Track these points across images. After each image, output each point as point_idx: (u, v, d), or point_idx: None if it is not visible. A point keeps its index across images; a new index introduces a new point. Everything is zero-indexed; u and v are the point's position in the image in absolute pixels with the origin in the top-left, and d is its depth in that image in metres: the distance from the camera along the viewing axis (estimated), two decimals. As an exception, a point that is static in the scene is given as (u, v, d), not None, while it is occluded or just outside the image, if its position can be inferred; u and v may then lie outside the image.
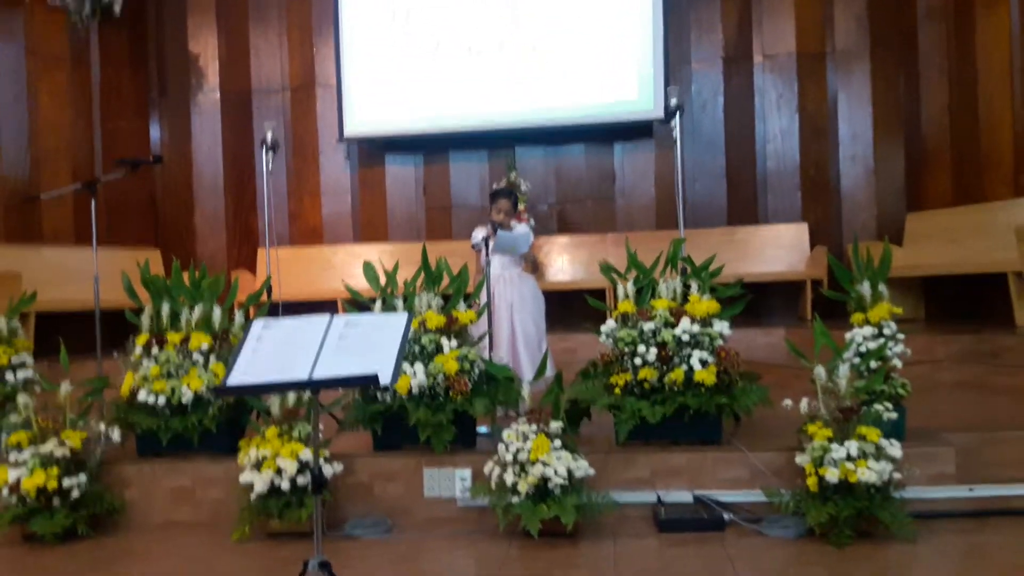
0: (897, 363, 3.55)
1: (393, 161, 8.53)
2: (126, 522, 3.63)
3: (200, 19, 8.66)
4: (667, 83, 7.48)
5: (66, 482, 3.40)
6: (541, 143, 8.30)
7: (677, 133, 4.65)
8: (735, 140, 8.10)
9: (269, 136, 5.16)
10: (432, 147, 8.43)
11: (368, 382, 2.49)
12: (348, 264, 7.94)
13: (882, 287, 3.68)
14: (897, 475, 3.11)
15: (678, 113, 4.64)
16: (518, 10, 8.02)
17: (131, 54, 8.36)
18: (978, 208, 6.55)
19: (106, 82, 8.00)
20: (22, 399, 3.60)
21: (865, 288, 3.68)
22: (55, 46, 7.58)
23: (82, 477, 3.46)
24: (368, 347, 2.59)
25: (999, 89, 6.47)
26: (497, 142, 8.28)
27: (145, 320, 3.90)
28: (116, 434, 3.65)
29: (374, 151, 8.54)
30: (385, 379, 2.44)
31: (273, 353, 2.60)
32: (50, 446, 3.44)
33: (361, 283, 3.99)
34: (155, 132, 8.69)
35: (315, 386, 2.50)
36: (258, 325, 2.74)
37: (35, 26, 7.40)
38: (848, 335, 3.60)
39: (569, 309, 6.66)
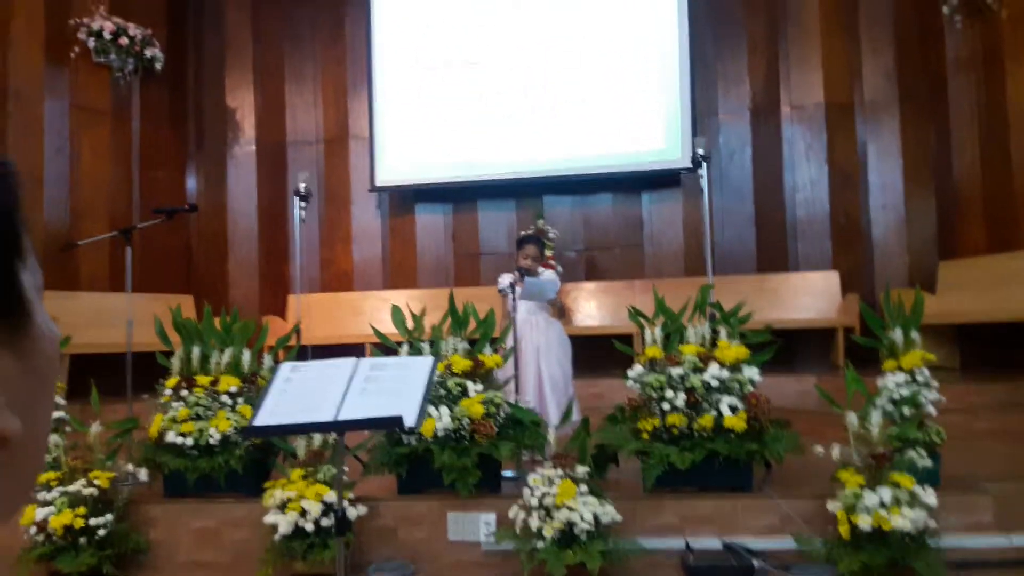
0: (931, 410, 3.48)
1: (423, 209, 8.64)
2: (151, 562, 3.64)
3: (238, 76, 8.93)
4: (695, 133, 7.53)
5: (93, 521, 3.42)
6: (569, 192, 8.37)
7: (704, 182, 4.68)
8: (764, 189, 8.10)
9: (302, 186, 5.27)
10: (461, 196, 8.53)
11: (393, 424, 2.50)
12: (377, 309, 8.01)
13: (915, 334, 3.63)
14: (932, 523, 3.03)
15: (705, 163, 4.67)
16: (546, 61, 8.17)
17: (171, 109, 8.61)
18: (1012, 256, 6.45)
19: (145, 136, 8.23)
20: (52, 439, 3.64)
21: (897, 335, 3.64)
22: (98, 101, 7.83)
23: (108, 516, 3.48)
24: (393, 390, 2.61)
25: (1031, 137, 6.43)
26: (525, 191, 8.37)
27: (176, 363, 3.97)
28: (144, 474, 3.68)
29: (405, 200, 8.66)
30: (410, 421, 2.45)
31: (300, 395, 2.63)
32: (78, 485, 3.47)
33: (390, 328, 4.02)
34: (191, 183, 8.90)
35: (340, 427, 2.52)
36: (286, 368, 2.77)
37: (80, 82, 7.67)
38: (880, 382, 3.55)
39: (597, 355, 6.61)
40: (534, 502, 3.25)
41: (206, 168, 8.93)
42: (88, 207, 7.62)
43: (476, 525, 3.52)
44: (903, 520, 2.95)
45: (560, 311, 5.04)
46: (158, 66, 8.09)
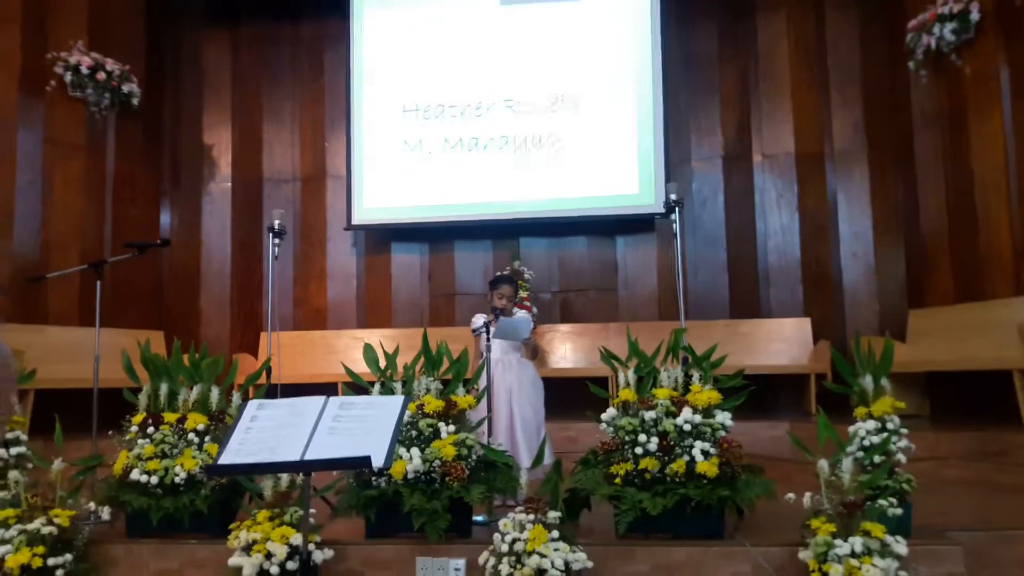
0: (901, 458, 3.49)
1: (399, 249, 8.64)
2: (110, 605, 3.53)
3: (216, 114, 8.95)
4: (668, 179, 7.65)
5: (51, 561, 3.32)
6: (545, 234, 8.42)
7: (677, 227, 4.72)
8: (736, 235, 8.21)
9: (276, 223, 5.23)
10: (438, 236, 8.55)
11: (361, 464, 2.47)
12: (351, 348, 7.96)
13: (884, 381, 3.65)
14: (903, 573, 3.01)
15: (678, 208, 4.72)
16: (524, 105, 8.27)
17: (146, 145, 8.58)
18: (980, 306, 6.57)
19: (120, 171, 8.18)
20: (12, 475, 3.55)
21: (868, 382, 3.66)
22: (73, 135, 7.78)
23: (68, 556, 3.38)
24: (362, 430, 2.58)
25: (994, 191, 6.58)
26: (501, 233, 8.41)
27: (143, 399, 3.89)
28: (106, 513, 3.59)
29: (381, 239, 8.66)
30: (378, 461, 2.42)
31: (266, 434, 2.59)
32: (37, 523, 3.38)
33: (362, 367, 3.98)
34: (165, 219, 8.85)
35: (307, 467, 2.48)
36: (252, 406, 2.73)
37: (55, 115, 7.62)
38: (851, 429, 3.56)
39: (571, 397, 6.58)
40: (504, 548, 3.20)
41: (181, 204, 8.89)
42: (59, 241, 7.54)
43: (445, 571, 3.45)
44: (874, 570, 2.93)
45: (534, 352, 5.03)
46: (135, 101, 8.07)
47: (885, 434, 3.48)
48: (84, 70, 7.59)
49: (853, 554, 2.98)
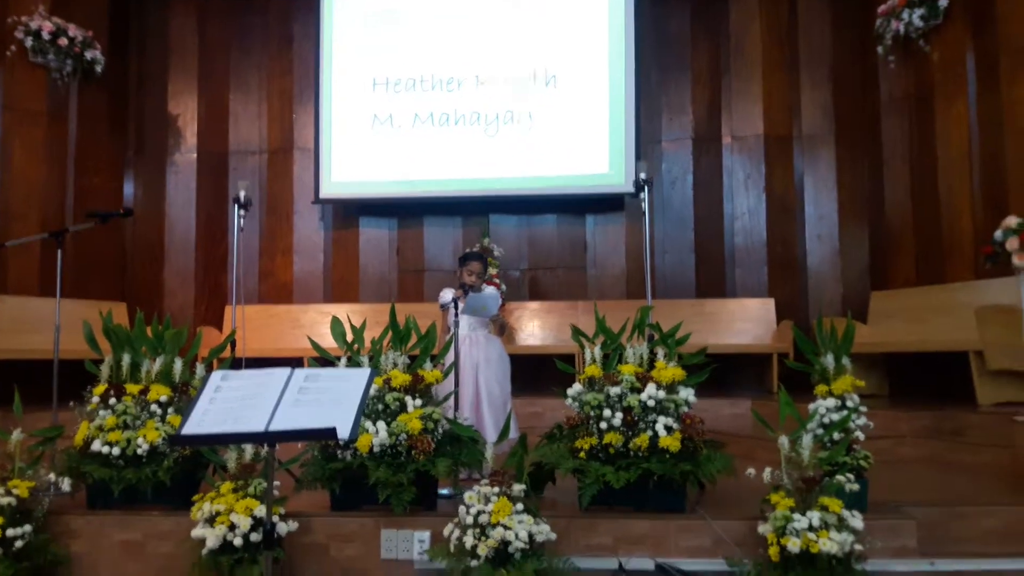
0: (860, 435, 3.57)
1: (367, 224, 8.58)
2: (71, 575, 3.50)
3: (181, 83, 8.78)
4: (638, 158, 7.66)
5: (10, 532, 3.29)
6: (515, 212, 8.41)
7: (646, 206, 4.74)
8: (704, 216, 8.27)
9: (242, 194, 5.17)
10: (407, 211, 8.50)
11: (326, 436, 2.46)
12: (317, 323, 7.92)
13: (845, 360, 3.72)
14: (859, 547, 3.08)
15: (647, 187, 4.74)
16: (495, 81, 8.22)
17: (109, 113, 8.40)
18: (940, 289, 6.69)
19: (82, 139, 8.01)
20: (-30, 446, 3.50)
21: (829, 361, 3.72)
22: (34, 102, 7.60)
23: (27, 527, 3.35)
24: (328, 401, 2.56)
25: (958, 176, 6.68)
26: (471, 209, 8.38)
27: (105, 370, 3.85)
28: (66, 484, 3.55)
29: (349, 213, 8.59)
30: (343, 433, 2.41)
31: (230, 404, 2.56)
32: (-5, 495, 3.33)
33: (330, 342, 3.97)
34: (129, 189, 8.69)
35: (271, 439, 2.47)
36: (216, 376, 2.71)
37: (15, 82, 7.44)
38: (812, 406, 3.62)
39: (538, 374, 6.64)
40: (469, 520, 3.22)
41: (145, 174, 8.73)
42: (19, 210, 7.38)
43: (410, 543, 3.47)
44: (831, 543, 3.00)
45: (502, 328, 5.04)
46: (98, 69, 7.89)
47: (844, 412, 3.55)
48: (45, 35, 7.41)
49: (811, 528, 3.04)
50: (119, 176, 8.58)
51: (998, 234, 5.66)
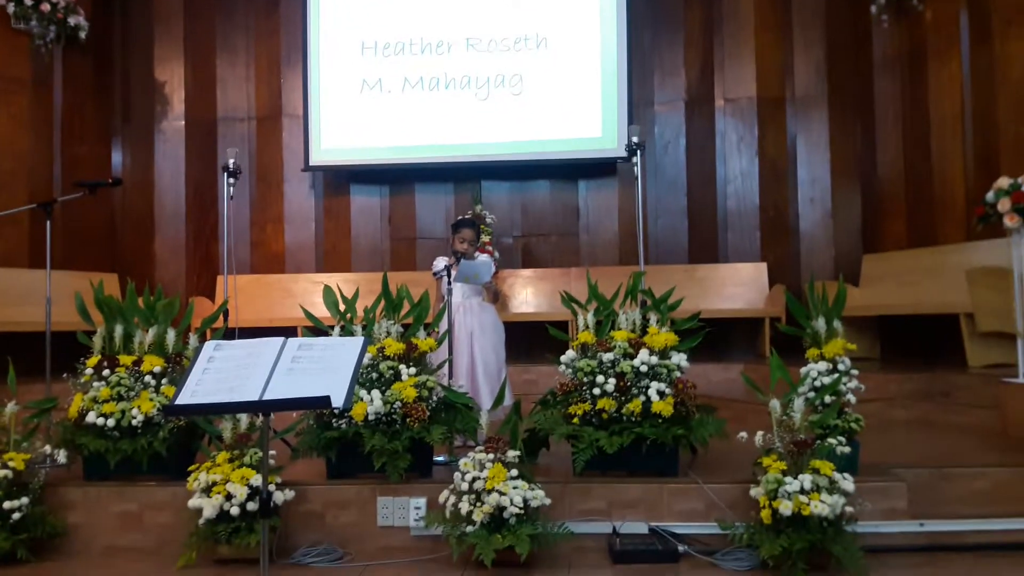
0: (851, 398, 3.59)
1: (358, 191, 8.53)
2: (68, 547, 3.53)
3: (167, 48, 8.65)
4: (630, 122, 7.60)
5: (7, 504, 3.30)
6: (507, 178, 8.37)
7: (638, 170, 4.71)
8: (697, 180, 8.24)
9: (231, 162, 5.12)
10: (398, 178, 8.45)
11: (320, 404, 2.47)
12: (309, 293, 7.89)
13: (837, 323, 3.73)
14: (850, 509, 3.12)
15: (639, 151, 4.70)
16: (486, 46, 8.14)
17: (95, 80, 8.29)
18: (931, 251, 6.70)
19: (68, 107, 7.92)
20: (-35, 419, 3.50)
21: (820, 324, 3.74)
22: (17, 69, 7.50)
23: (24, 500, 3.36)
24: (322, 370, 2.57)
25: (950, 137, 6.67)
26: (463, 175, 8.33)
27: (97, 341, 3.84)
28: (62, 456, 3.56)
29: (339, 181, 8.54)
30: (337, 402, 2.41)
31: (224, 374, 2.56)
32: (-9, 467, 3.34)
33: (322, 311, 3.96)
34: (117, 158, 8.61)
35: (266, 407, 2.47)
36: (210, 346, 2.71)
37: (-3, 48, 7.34)
38: (803, 370, 3.64)
39: (532, 341, 6.65)
40: (464, 486, 3.25)
41: (132, 143, 8.64)
42: (5, 180, 7.31)
43: (406, 510, 3.50)
44: (822, 506, 3.03)
45: (495, 296, 5.03)
46: (82, 35, 7.76)
47: (836, 375, 3.57)
48: (27, 1, 7.27)
49: (802, 491, 3.08)
50: (107, 145, 8.50)
51: (990, 195, 5.64)
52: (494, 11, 8.16)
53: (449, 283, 4.46)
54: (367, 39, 8.26)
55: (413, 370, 3.64)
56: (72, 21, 7.63)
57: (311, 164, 8.29)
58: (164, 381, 3.73)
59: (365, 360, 3.63)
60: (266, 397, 2.40)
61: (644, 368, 3.54)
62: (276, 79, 8.62)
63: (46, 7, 7.37)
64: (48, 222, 4.83)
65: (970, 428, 4.76)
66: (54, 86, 7.80)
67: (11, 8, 7.27)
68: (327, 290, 3.90)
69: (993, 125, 6.25)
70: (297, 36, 8.42)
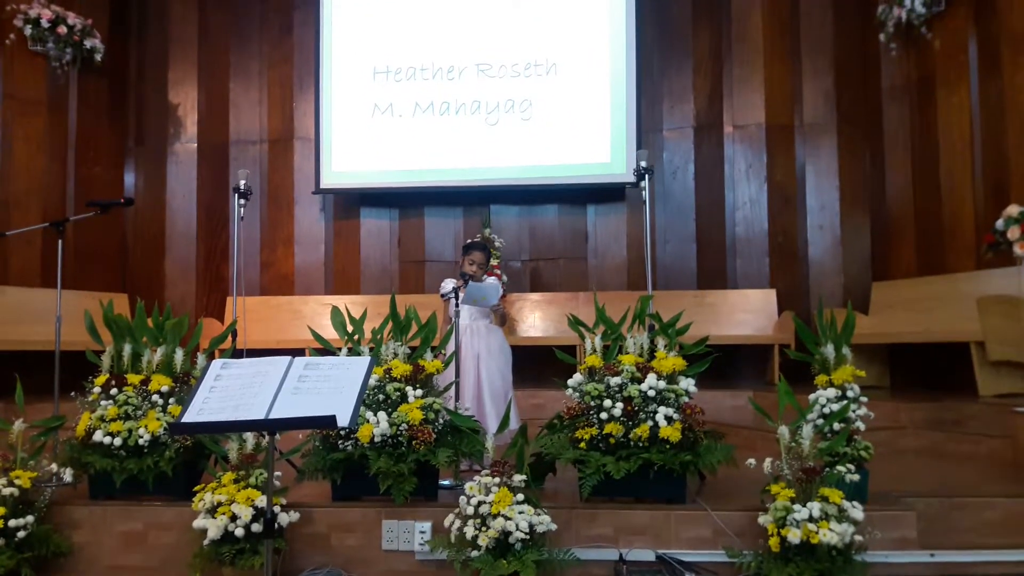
0: (860, 425, 3.57)
1: (368, 214, 8.57)
2: (73, 565, 3.52)
3: (181, 72, 8.75)
4: (639, 147, 7.62)
5: (12, 522, 3.30)
6: (516, 202, 8.39)
7: (646, 195, 4.72)
8: (705, 206, 8.24)
9: (242, 183, 5.15)
10: (408, 202, 8.49)
11: (326, 424, 2.46)
12: (318, 314, 7.92)
13: (846, 350, 3.72)
14: (859, 538, 3.09)
15: (647, 176, 4.71)
16: (496, 70, 8.20)
17: (110, 102, 8.38)
18: (942, 279, 6.68)
19: (83, 129, 8.01)
20: (-29, 437, 3.51)
21: (829, 351, 3.72)
22: (33, 91, 7.60)
23: (29, 518, 3.36)
24: (328, 390, 2.57)
25: (960, 165, 6.66)
26: (472, 199, 8.37)
27: (106, 360, 3.85)
28: (68, 475, 3.56)
29: (350, 203, 8.58)
30: (343, 421, 2.41)
31: (230, 393, 2.57)
32: (-3, 485, 3.34)
33: (330, 333, 3.97)
34: (130, 179, 8.69)
35: (271, 426, 2.47)
36: (217, 365, 2.71)
37: (14, 70, 7.43)
38: (812, 396, 3.62)
39: (540, 365, 6.64)
40: (470, 510, 3.23)
41: (145, 165, 8.72)
42: (19, 200, 7.38)
43: (411, 533, 3.48)
44: (831, 534, 3.00)
45: (503, 319, 5.03)
46: (98, 57, 7.87)
47: (845, 402, 3.55)
48: (44, 23, 7.39)
49: (811, 518, 3.05)
50: (120, 166, 8.58)
51: (1000, 223, 5.65)
52: (504, 37, 8.23)
53: (457, 305, 4.46)
54: (379, 64, 8.34)
55: (420, 392, 3.64)
56: (88, 44, 7.74)
57: (322, 187, 8.34)
58: (171, 400, 3.74)
59: (372, 381, 3.63)
60: (272, 416, 2.40)
61: (652, 393, 3.52)
62: (288, 103, 8.71)
63: (63, 30, 7.48)
64: (60, 241, 4.87)
65: (981, 457, 4.71)
66: (69, 108, 7.89)
67: (28, 30, 7.38)
68: (335, 311, 3.90)
69: (1002, 153, 6.25)
70: (310, 61, 8.52)
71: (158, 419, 3.63)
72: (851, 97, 8.02)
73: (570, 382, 3.71)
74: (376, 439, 3.50)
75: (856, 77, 7.99)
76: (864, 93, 7.89)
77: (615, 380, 3.58)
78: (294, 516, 3.39)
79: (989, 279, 6.06)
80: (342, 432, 3.53)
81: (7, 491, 3.36)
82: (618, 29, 8.10)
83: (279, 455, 3.77)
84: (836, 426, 3.49)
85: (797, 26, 8.18)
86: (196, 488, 3.43)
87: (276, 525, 3.15)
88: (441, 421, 3.64)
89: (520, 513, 3.18)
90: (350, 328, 3.84)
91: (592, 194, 8.31)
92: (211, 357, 3.97)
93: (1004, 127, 6.24)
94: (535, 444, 3.66)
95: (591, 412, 3.57)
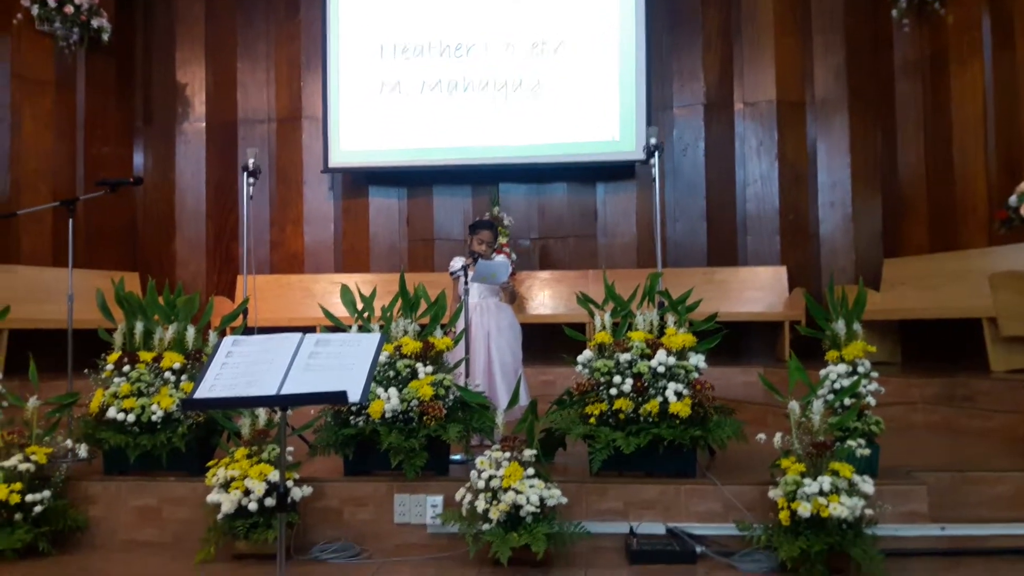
0: (871, 400, 3.56)
1: (377, 193, 8.56)
2: (89, 540, 3.57)
3: (189, 51, 8.73)
4: (648, 125, 7.58)
5: (29, 497, 3.34)
6: (525, 180, 8.37)
7: (656, 172, 4.70)
8: (715, 184, 8.20)
9: (251, 161, 5.15)
10: (416, 180, 8.48)
11: (337, 399, 2.47)
12: (328, 293, 7.93)
13: (856, 326, 3.71)
14: (869, 511, 3.10)
15: (657, 153, 4.70)
16: (504, 48, 8.15)
17: (118, 82, 8.38)
18: (953, 255, 6.64)
19: (91, 108, 8.01)
20: (-13, 413, 3.54)
21: (840, 326, 3.71)
22: (41, 71, 7.59)
23: (46, 493, 3.40)
24: (339, 365, 2.58)
25: (972, 141, 6.61)
26: (481, 177, 8.35)
27: (118, 338, 3.88)
28: (83, 450, 3.60)
29: (358, 182, 8.58)
30: (354, 396, 2.43)
31: (242, 369, 2.58)
32: (14, 460, 3.38)
33: (340, 311, 3.98)
34: (138, 159, 8.70)
35: (283, 402, 2.49)
36: (228, 342, 2.73)
37: (22, 50, 7.42)
38: (823, 372, 3.62)
39: (549, 343, 6.64)
40: (481, 484, 3.25)
41: (154, 144, 8.73)
42: (30, 180, 7.40)
43: (423, 507, 3.51)
44: (841, 508, 3.01)
45: (512, 296, 5.04)
46: (105, 37, 7.85)
47: (855, 377, 3.55)
48: (51, 3, 7.37)
49: (821, 492, 3.06)
50: (128, 146, 8.59)
51: (1012, 199, 5.61)
52: (513, 14, 8.17)
53: (466, 283, 4.47)
54: (386, 42, 8.30)
55: (430, 368, 3.65)
56: (95, 23, 7.72)
57: (330, 166, 8.33)
58: (184, 377, 3.77)
59: (382, 358, 3.64)
60: (283, 392, 2.41)
61: (661, 369, 3.53)
62: (296, 82, 8.68)
63: (70, 9, 7.46)
64: (71, 220, 4.88)
65: (992, 432, 4.70)
66: (77, 87, 7.89)
67: (35, 10, 7.36)
68: (345, 289, 3.91)
69: (1016, 129, 6.19)
70: (317, 39, 8.48)
71: (170, 396, 3.66)
72: (863, 73, 7.94)
73: (580, 358, 3.71)
74: (387, 415, 3.52)
75: (868, 53, 7.91)
76: (876, 69, 7.82)
77: (625, 356, 3.58)
78: (307, 491, 3.42)
79: (1001, 255, 6.03)
80: (353, 408, 3.55)
81: (23, 467, 3.39)
82: (627, 6, 8.03)
83: (291, 431, 3.80)
84: (847, 401, 3.48)
85: (808, 2, 8.09)
86: (209, 464, 3.46)
87: (289, 499, 3.17)
88: (451, 397, 3.65)
89: (531, 487, 3.20)
90: (360, 306, 3.85)
91: (601, 172, 8.28)
92: (222, 335, 3.99)
93: (1018, 103, 6.18)
94: (545, 420, 3.67)
95: (601, 388, 3.58)
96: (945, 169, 6.91)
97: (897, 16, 7.19)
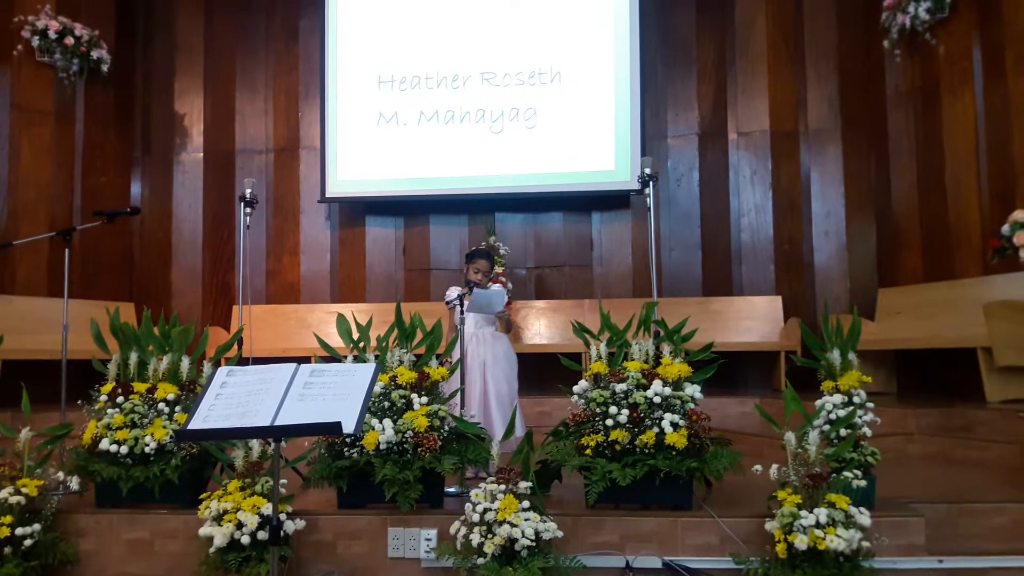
0: (867, 431, 3.55)
1: (374, 222, 8.59)
2: (79, 574, 3.52)
3: (187, 82, 8.80)
4: (643, 155, 7.65)
5: (19, 531, 3.30)
6: (521, 210, 8.41)
7: (651, 201, 4.73)
8: (710, 213, 8.24)
9: (248, 191, 5.18)
10: (413, 210, 8.51)
11: (331, 430, 2.47)
12: (324, 323, 7.93)
13: (852, 356, 3.70)
14: (866, 544, 3.08)
15: (652, 183, 4.73)
16: (501, 79, 8.22)
17: (116, 112, 8.43)
18: (948, 285, 6.66)
19: (89, 139, 8.05)
20: (-22, 445, 3.52)
21: (835, 356, 3.71)
22: (41, 101, 7.65)
23: (36, 526, 3.36)
24: (333, 396, 2.58)
25: (965, 170, 6.66)
26: (477, 207, 8.38)
27: (112, 368, 3.86)
28: (75, 483, 3.57)
29: (355, 212, 8.60)
30: (349, 427, 2.42)
31: (236, 400, 2.58)
32: (4, 493, 3.35)
33: (336, 341, 3.97)
34: (136, 189, 8.72)
35: (277, 433, 2.48)
36: (223, 372, 2.72)
37: (22, 81, 7.49)
38: (818, 402, 3.61)
39: (545, 373, 6.64)
40: (476, 517, 3.22)
41: (152, 174, 8.76)
42: (27, 210, 7.42)
43: (417, 541, 3.47)
44: (838, 540, 2.99)
45: (508, 325, 5.04)
46: (104, 68, 7.93)
47: (851, 407, 3.54)
48: (52, 35, 7.45)
49: (818, 525, 3.04)
50: (126, 176, 8.62)
51: (1005, 228, 5.64)
52: (509, 45, 8.26)
53: (462, 312, 4.47)
54: (383, 73, 8.38)
55: (425, 399, 3.64)
56: (95, 55, 7.80)
57: (327, 196, 8.37)
58: (177, 409, 3.74)
59: (377, 389, 3.63)
60: (277, 422, 2.40)
61: (657, 399, 3.51)
62: (294, 112, 8.74)
63: (70, 41, 7.53)
64: (67, 250, 4.89)
65: (989, 463, 4.69)
66: (76, 118, 7.94)
67: (36, 42, 7.43)
68: (341, 318, 3.91)
69: (1008, 158, 6.24)
70: (315, 70, 8.56)
71: (164, 427, 3.64)
72: (856, 103, 8.02)
73: (575, 388, 3.70)
74: (382, 446, 3.50)
75: (860, 83, 7.99)
76: (868, 99, 7.90)
77: (621, 387, 3.57)
78: (300, 524, 3.39)
79: (995, 284, 6.05)
80: (348, 439, 3.53)
81: (14, 499, 3.36)
82: (622, 37, 8.12)
83: (285, 463, 3.77)
84: (842, 432, 3.47)
85: (801, 33, 8.19)
86: (202, 496, 3.43)
87: (282, 532, 3.15)
88: (447, 428, 3.63)
89: (526, 520, 3.17)
90: (356, 335, 3.84)
91: (597, 201, 8.32)
92: (217, 366, 3.98)
93: (1009, 132, 6.24)
94: (541, 451, 3.65)
95: (597, 419, 3.57)
96: (938, 198, 6.96)
97: (889, 46, 7.28)
